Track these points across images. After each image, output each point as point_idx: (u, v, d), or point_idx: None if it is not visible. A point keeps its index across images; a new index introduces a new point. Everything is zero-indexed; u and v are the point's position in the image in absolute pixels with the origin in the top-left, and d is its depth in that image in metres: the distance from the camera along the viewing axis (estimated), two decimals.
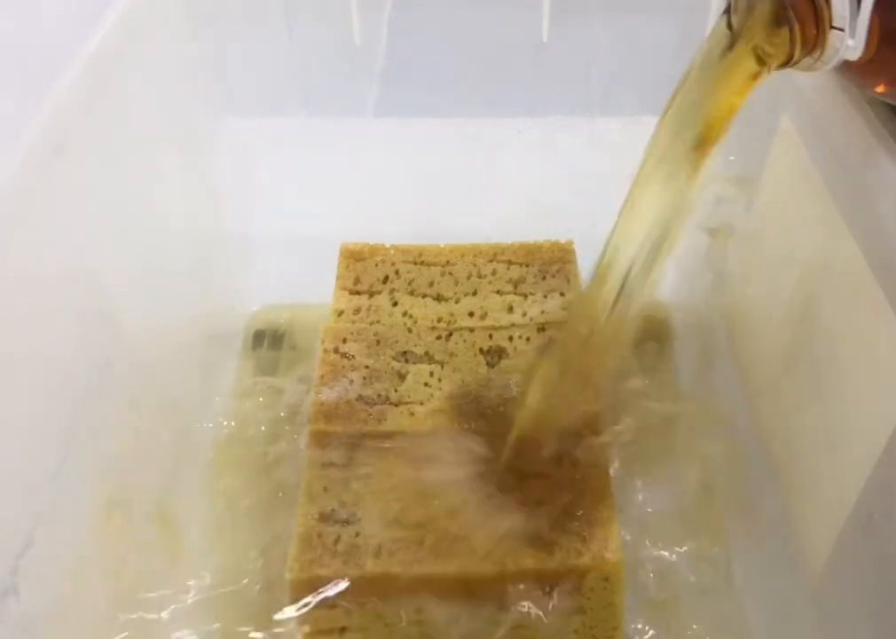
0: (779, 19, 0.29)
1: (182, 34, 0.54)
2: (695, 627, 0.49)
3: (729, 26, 0.30)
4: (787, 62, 0.30)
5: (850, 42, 0.28)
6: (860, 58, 0.29)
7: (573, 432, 0.43)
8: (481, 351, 0.47)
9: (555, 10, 0.55)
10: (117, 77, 0.44)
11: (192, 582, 0.50)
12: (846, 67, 0.30)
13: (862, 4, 0.27)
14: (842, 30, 0.28)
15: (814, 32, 0.29)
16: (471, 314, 0.49)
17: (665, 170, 0.33)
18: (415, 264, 0.52)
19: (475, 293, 0.50)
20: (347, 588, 0.38)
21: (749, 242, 0.54)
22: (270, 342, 0.65)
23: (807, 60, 0.29)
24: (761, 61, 0.30)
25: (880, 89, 0.32)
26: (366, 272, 0.51)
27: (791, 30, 0.29)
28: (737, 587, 0.50)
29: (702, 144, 0.32)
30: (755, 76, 0.30)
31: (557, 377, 0.40)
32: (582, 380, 0.41)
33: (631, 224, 0.34)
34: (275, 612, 0.47)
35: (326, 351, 0.47)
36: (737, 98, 0.31)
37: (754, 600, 0.49)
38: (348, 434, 0.43)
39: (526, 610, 0.39)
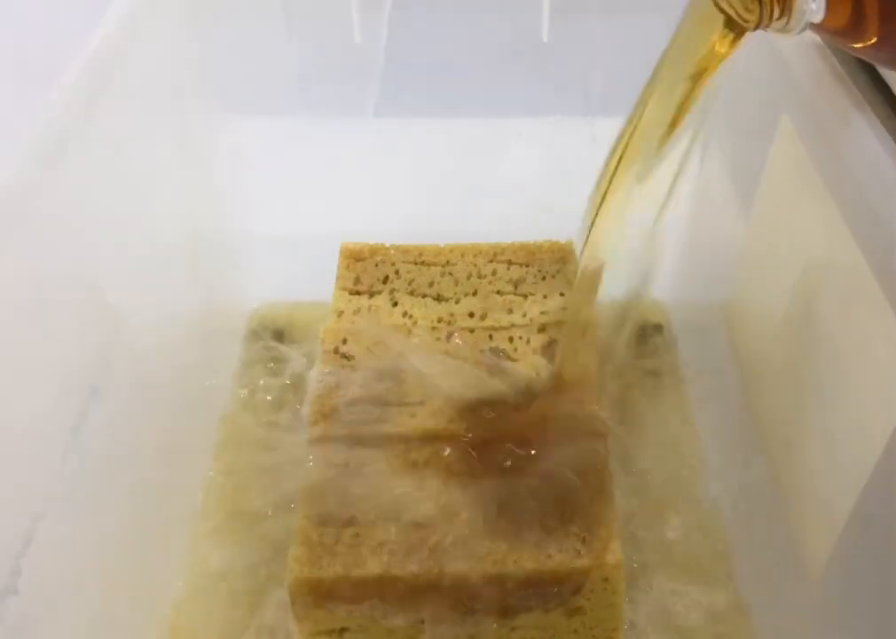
0: None
1: (182, 34, 0.54)
2: (694, 626, 0.49)
3: None
4: (758, 25, 0.31)
5: (813, 5, 0.29)
6: (865, 36, 0.29)
7: (572, 431, 0.43)
8: (481, 350, 0.47)
9: (555, 10, 0.55)
10: (117, 77, 0.44)
11: (190, 577, 0.50)
12: (852, 44, 0.31)
13: None
14: None
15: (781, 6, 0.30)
16: (471, 315, 0.49)
17: (642, 144, 0.33)
18: (415, 264, 0.52)
19: (475, 293, 0.50)
20: (347, 589, 0.38)
21: (749, 242, 0.54)
22: (269, 342, 0.65)
23: (779, 23, 0.31)
24: (735, 26, 0.31)
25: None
26: (366, 272, 0.51)
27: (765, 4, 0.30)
28: (737, 588, 0.50)
29: (678, 110, 0.32)
30: (731, 41, 0.31)
31: (553, 374, 0.40)
32: (578, 374, 0.41)
33: (607, 213, 0.35)
34: (275, 613, 0.47)
35: (325, 351, 0.47)
36: (713, 63, 0.32)
37: (754, 600, 0.49)
38: (348, 435, 0.43)
39: (526, 610, 0.39)
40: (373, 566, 0.38)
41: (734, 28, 0.31)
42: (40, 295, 0.37)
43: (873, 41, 0.30)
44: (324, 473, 0.42)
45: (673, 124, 0.33)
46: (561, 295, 0.50)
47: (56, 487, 0.38)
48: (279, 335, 0.65)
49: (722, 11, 0.31)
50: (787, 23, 0.30)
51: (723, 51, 0.32)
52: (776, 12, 0.30)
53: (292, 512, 0.42)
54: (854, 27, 0.30)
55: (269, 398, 0.61)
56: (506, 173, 0.62)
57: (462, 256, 0.52)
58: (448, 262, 0.52)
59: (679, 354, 0.63)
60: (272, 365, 0.63)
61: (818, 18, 0.29)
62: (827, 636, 0.41)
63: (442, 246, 0.53)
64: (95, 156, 0.42)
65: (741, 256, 0.55)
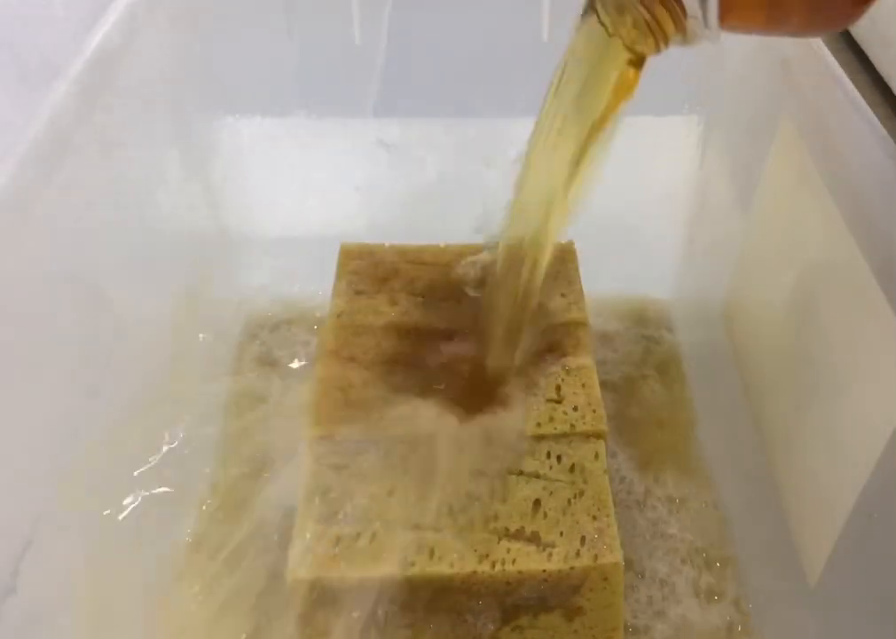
0: (641, 21, 0.30)
1: (183, 33, 0.54)
2: (694, 627, 0.49)
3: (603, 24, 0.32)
4: (659, 50, 0.32)
5: (706, 32, 0.29)
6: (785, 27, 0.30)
7: (570, 430, 0.43)
8: (481, 352, 0.47)
9: (555, 10, 0.55)
10: (117, 77, 0.44)
11: (190, 577, 0.50)
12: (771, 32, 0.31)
13: (709, 2, 0.28)
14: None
15: (673, 28, 0.30)
16: (471, 315, 0.49)
17: (562, 156, 0.35)
18: (415, 264, 0.52)
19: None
20: (347, 589, 0.38)
21: (749, 242, 0.54)
22: (269, 340, 0.65)
23: (677, 40, 0.31)
24: (637, 54, 0.32)
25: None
26: (366, 271, 0.51)
27: (652, 29, 0.31)
28: (737, 588, 0.50)
29: (596, 128, 0.34)
30: (636, 66, 0.32)
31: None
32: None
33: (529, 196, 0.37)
34: (276, 613, 0.47)
35: (325, 352, 0.47)
36: (627, 88, 0.33)
37: (754, 600, 0.49)
38: (348, 435, 0.43)
39: (526, 610, 0.39)
40: (373, 566, 0.38)
41: (636, 56, 0.32)
42: (40, 295, 0.37)
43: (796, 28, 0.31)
44: (324, 473, 0.42)
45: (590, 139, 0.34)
46: (562, 295, 0.50)
47: (56, 488, 0.38)
48: (280, 334, 0.65)
49: (627, 48, 0.32)
50: (684, 42, 0.31)
51: (631, 77, 0.33)
52: (669, 36, 0.31)
53: (291, 507, 0.42)
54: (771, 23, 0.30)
55: (268, 398, 0.61)
56: (506, 173, 0.62)
57: (462, 256, 0.52)
58: (448, 262, 0.52)
59: (678, 353, 0.63)
60: (272, 365, 0.63)
61: (716, 41, 0.29)
62: (827, 636, 0.41)
63: (441, 246, 0.53)
64: (95, 156, 0.42)
65: (741, 256, 0.55)
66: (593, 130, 0.34)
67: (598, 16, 0.32)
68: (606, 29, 0.32)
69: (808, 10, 0.29)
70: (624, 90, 0.33)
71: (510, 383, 0.46)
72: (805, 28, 0.32)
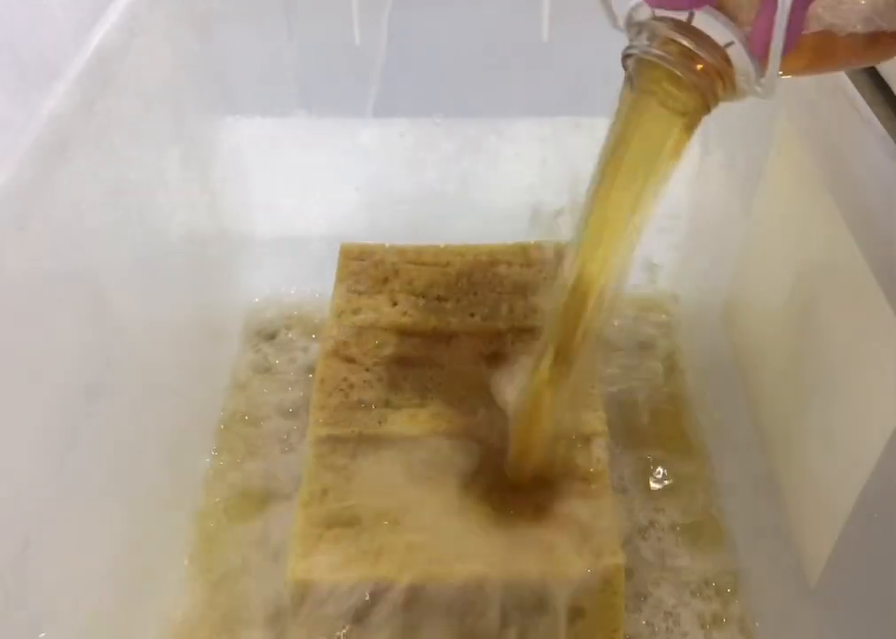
0: (689, 85, 0.31)
1: (183, 33, 0.54)
2: (695, 626, 0.49)
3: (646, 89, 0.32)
4: (710, 110, 0.32)
5: (759, 89, 0.29)
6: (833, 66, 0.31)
7: (572, 436, 0.43)
8: (481, 353, 0.47)
9: (555, 10, 0.55)
10: (117, 77, 0.44)
11: (191, 581, 0.50)
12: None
13: (771, 61, 0.28)
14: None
15: (722, 87, 0.31)
16: (472, 315, 0.49)
17: (630, 201, 0.35)
18: (415, 264, 0.52)
19: (475, 293, 0.50)
20: (346, 590, 0.38)
21: (749, 241, 0.54)
22: (269, 342, 0.65)
23: (726, 97, 0.31)
24: (689, 116, 0.32)
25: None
26: (366, 272, 0.51)
27: (702, 92, 0.31)
28: (738, 587, 0.50)
29: (658, 181, 0.34)
30: (689, 128, 0.33)
31: (547, 392, 0.40)
32: (572, 392, 0.41)
33: (599, 238, 0.36)
34: (276, 613, 0.47)
35: (325, 353, 0.47)
36: (681, 144, 0.33)
37: (754, 600, 0.49)
38: (348, 437, 0.43)
39: (526, 611, 0.39)
40: (373, 567, 0.38)
41: (691, 117, 0.32)
42: (40, 295, 0.37)
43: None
44: (324, 473, 0.42)
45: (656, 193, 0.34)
46: None
47: (56, 488, 0.38)
48: (279, 335, 0.65)
49: (677, 112, 0.32)
50: (736, 96, 0.31)
51: (687, 137, 0.33)
52: (719, 95, 0.31)
53: (291, 507, 0.42)
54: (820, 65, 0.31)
55: (268, 398, 0.61)
56: (506, 173, 0.62)
57: (461, 256, 0.52)
58: (448, 262, 0.52)
59: (679, 353, 0.63)
60: (272, 365, 0.63)
61: (772, 96, 0.30)
62: (827, 636, 0.41)
63: (441, 246, 0.53)
64: (95, 156, 0.42)
65: (741, 255, 0.55)
66: (648, 190, 0.34)
67: (642, 85, 0.32)
68: (655, 96, 0.32)
69: (852, 56, 0.29)
70: (676, 149, 0.33)
71: (508, 381, 0.46)
72: (845, 69, 0.32)
